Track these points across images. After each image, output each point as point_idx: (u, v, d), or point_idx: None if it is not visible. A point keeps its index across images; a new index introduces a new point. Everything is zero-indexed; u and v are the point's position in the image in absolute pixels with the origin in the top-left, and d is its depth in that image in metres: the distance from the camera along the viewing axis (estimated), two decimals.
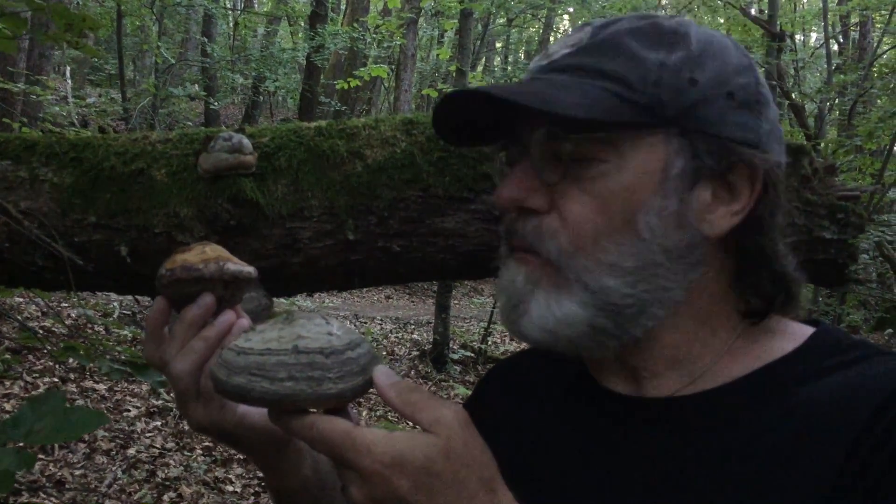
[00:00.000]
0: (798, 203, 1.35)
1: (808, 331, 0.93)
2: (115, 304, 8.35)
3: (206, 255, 0.94)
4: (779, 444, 0.80)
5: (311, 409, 0.79)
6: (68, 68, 14.83)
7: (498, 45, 25.38)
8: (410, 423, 0.79)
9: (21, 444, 1.31)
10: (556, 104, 0.83)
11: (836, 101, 11.89)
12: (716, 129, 0.86)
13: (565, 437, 0.99)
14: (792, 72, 13.25)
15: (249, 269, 0.97)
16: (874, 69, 11.21)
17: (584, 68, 0.87)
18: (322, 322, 0.82)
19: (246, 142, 1.40)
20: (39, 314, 7.25)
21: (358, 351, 0.81)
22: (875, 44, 12.72)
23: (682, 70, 0.85)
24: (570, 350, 0.90)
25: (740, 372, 0.90)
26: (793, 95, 11.17)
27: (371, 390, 0.83)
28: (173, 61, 16.00)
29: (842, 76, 11.17)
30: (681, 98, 0.85)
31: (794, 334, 0.92)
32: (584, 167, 0.86)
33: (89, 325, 7.53)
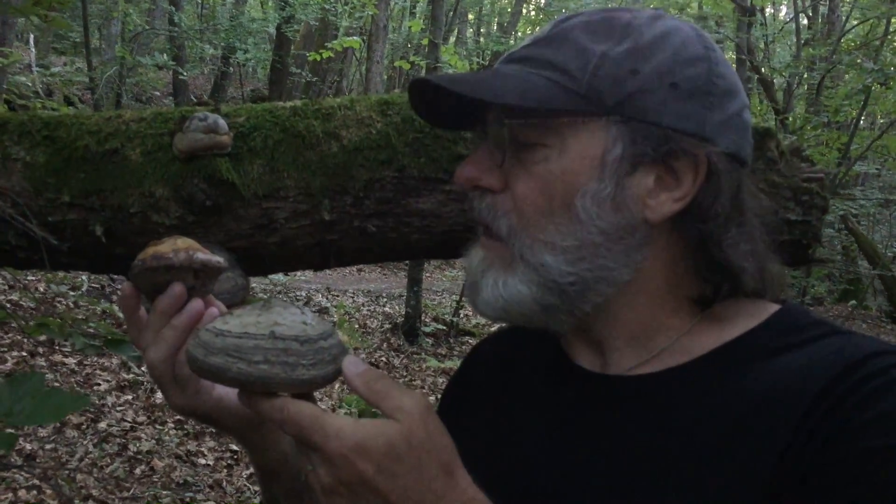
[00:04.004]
0: (764, 185, 1.38)
1: (773, 309, 0.96)
2: (84, 277, 8.26)
3: (177, 245, 0.98)
4: (731, 421, 0.84)
5: (281, 393, 0.82)
6: (32, 36, 14.48)
7: (470, 16, 25.20)
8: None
9: None
10: (490, 91, 0.90)
11: (805, 76, 12.00)
12: (654, 117, 0.89)
13: (537, 412, 1.03)
14: (762, 46, 13.33)
15: (219, 259, 1.01)
16: (842, 44, 11.32)
17: (534, 59, 0.93)
18: (297, 311, 0.87)
19: (221, 122, 1.39)
20: (6, 287, 7.16)
21: (330, 341, 0.85)
22: (844, 19, 12.83)
23: (625, 61, 0.89)
24: (527, 324, 0.97)
25: (700, 350, 0.94)
26: (762, 70, 11.24)
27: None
28: (146, 27, 15.69)
29: (811, 51, 11.28)
30: (619, 87, 0.89)
31: (758, 313, 0.96)
32: (530, 151, 0.92)
33: (58, 299, 7.46)
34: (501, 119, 0.93)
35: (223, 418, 1.03)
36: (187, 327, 0.97)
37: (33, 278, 7.68)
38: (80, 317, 6.65)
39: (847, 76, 11.26)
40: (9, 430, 1.22)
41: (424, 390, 7.60)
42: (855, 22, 12.81)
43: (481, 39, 22.84)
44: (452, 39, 19.58)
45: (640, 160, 0.90)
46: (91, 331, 2.42)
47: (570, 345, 1.05)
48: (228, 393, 1.01)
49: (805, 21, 15.63)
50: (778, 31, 15.66)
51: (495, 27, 26.19)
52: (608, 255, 0.91)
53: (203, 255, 0.98)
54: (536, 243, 0.91)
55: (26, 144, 1.45)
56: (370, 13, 11.79)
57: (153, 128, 1.44)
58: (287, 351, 0.81)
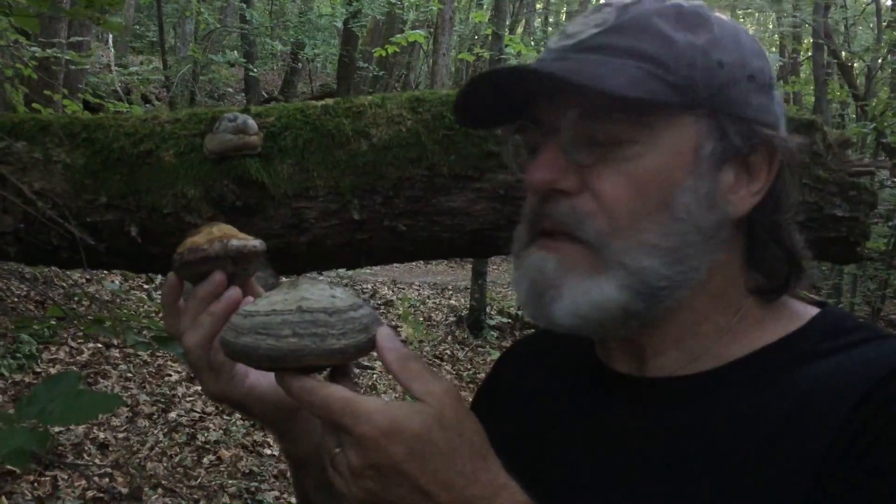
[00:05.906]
0: (809, 180, 1.32)
1: (813, 312, 0.93)
2: None
3: (213, 234, 0.99)
4: (769, 426, 0.81)
5: (316, 369, 0.82)
6: (110, 36, 14.95)
7: (538, 5, 24.97)
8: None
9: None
10: (606, 83, 0.83)
11: (888, 59, 11.52)
12: (741, 110, 0.88)
13: (569, 415, 1.02)
14: (842, 29, 12.85)
15: (255, 243, 1.02)
16: None
17: (615, 48, 0.86)
18: (325, 287, 0.86)
19: (251, 122, 1.40)
20: (84, 280, 7.43)
21: (360, 311, 0.84)
22: None
23: (711, 52, 0.87)
24: (596, 331, 0.91)
25: (740, 353, 0.91)
26: (842, 54, 10.84)
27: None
28: (217, 25, 16.05)
29: (893, 33, 10.80)
30: (711, 80, 0.86)
31: (798, 315, 0.93)
32: (618, 148, 0.86)
33: (133, 291, 7.70)
34: (596, 114, 0.86)
35: (255, 406, 1.04)
36: (224, 314, 0.98)
37: (105, 272, 7.94)
38: (151, 309, 6.86)
39: None
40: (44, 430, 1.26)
41: None
42: None
43: (549, 28, 22.62)
44: (520, 30, 19.44)
45: (728, 155, 0.88)
46: (146, 326, 2.49)
47: (604, 349, 1.03)
48: (260, 381, 1.02)
49: (888, 2, 15.00)
50: (859, 14, 15.06)
51: (563, 16, 25.91)
52: (698, 255, 0.88)
53: (237, 241, 0.99)
54: (635, 246, 0.86)
55: (67, 147, 1.48)
56: (435, 8, 11.79)
57: (186, 128, 1.46)
58: (315, 323, 0.80)
